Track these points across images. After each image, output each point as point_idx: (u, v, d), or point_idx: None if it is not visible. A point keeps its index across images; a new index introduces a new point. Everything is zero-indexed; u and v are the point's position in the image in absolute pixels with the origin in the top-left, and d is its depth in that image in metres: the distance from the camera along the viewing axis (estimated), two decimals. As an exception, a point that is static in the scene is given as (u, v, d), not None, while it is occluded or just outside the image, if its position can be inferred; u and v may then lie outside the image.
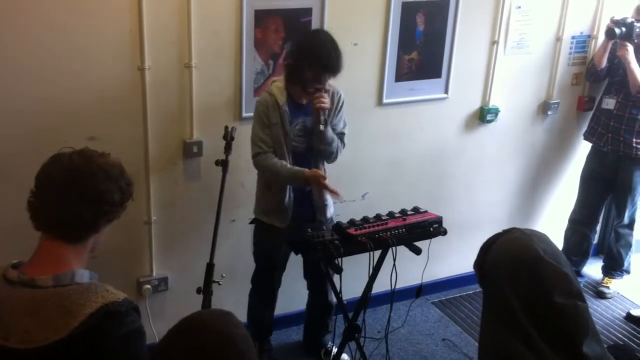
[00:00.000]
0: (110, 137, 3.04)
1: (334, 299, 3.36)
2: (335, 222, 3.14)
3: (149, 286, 3.42)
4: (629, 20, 3.98)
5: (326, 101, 3.01)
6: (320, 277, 3.37)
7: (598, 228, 4.64)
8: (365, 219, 3.06)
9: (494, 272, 1.55)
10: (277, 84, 3.09)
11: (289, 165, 3.05)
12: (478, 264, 1.62)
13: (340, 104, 3.18)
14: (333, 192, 3.07)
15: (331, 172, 3.25)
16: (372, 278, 3.13)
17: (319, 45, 2.96)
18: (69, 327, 1.50)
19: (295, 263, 3.42)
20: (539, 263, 1.49)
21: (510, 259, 1.52)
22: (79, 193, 1.58)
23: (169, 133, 3.25)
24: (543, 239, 1.56)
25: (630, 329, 4.13)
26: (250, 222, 3.32)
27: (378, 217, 3.10)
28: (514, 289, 1.49)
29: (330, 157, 3.19)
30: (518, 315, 1.47)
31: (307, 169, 3.04)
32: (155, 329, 3.29)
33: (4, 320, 1.53)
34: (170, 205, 3.37)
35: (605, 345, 1.58)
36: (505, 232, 1.61)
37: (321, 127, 3.01)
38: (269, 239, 3.26)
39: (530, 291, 1.48)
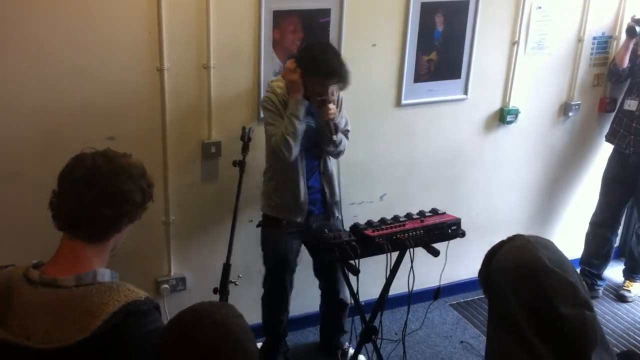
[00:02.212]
0: (128, 137, 3.07)
1: (348, 297, 3.34)
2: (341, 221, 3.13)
3: (167, 286, 3.44)
4: (651, 19, 3.94)
5: (333, 112, 2.98)
6: (331, 275, 3.36)
7: (619, 231, 4.58)
8: (382, 220, 3.06)
9: (497, 281, 1.51)
10: (279, 83, 3.05)
11: (288, 115, 2.98)
12: (482, 272, 1.58)
13: (340, 104, 3.15)
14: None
15: (350, 173, 3.25)
16: (390, 280, 3.12)
17: (319, 57, 2.91)
18: (91, 326, 1.50)
19: (310, 264, 3.41)
20: (543, 272, 1.44)
21: (514, 268, 1.48)
22: (101, 192, 1.59)
23: (187, 133, 3.26)
24: (548, 246, 1.51)
25: (651, 333, 4.08)
26: (258, 225, 3.30)
27: (396, 218, 3.09)
28: (518, 299, 1.45)
29: (339, 155, 3.19)
30: (522, 326, 1.43)
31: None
32: (173, 329, 3.29)
33: (25, 320, 1.54)
34: (188, 205, 3.38)
35: (616, 352, 1.54)
36: (508, 239, 1.57)
37: (333, 137, 2.99)
38: (279, 236, 3.22)
39: (535, 301, 1.44)
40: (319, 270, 3.47)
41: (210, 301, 1.51)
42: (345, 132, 3.19)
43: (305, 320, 3.87)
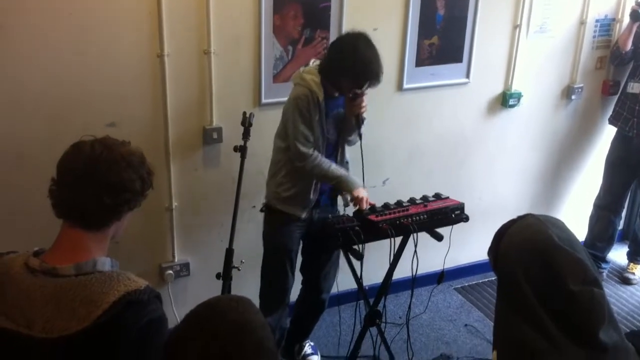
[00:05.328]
0: (129, 124, 3.06)
1: (327, 299, 3.31)
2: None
3: (171, 272, 3.45)
4: (655, 2, 3.91)
5: (365, 106, 2.93)
6: (319, 271, 3.26)
7: (623, 214, 4.58)
8: (386, 205, 3.05)
9: (507, 258, 1.53)
10: (314, 78, 2.90)
11: (334, 169, 2.98)
12: (492, 250, 1.61)
13: None
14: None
15: (352, 158, 3.23)
16: (393, 264, 3.12)
17: (362, 62, 2.80)
18: (92, 316, 1.50)
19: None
20: (553, 249, 1.46)
21: (524, 246, 1.51)
22: (100, 181, 1.58)
23: (189, 120, 3.26)
24: (557, 224, 1.54)
25: (655, 316, 4.08)
26: (261, 210, 3.20)
27: (399, 203, 3.08)
28: (527, 276, 1.47)
29: (354, 143, 3.15)
30: (532, 302, 1.45)
31: (355, 188, 2.99)
32: (178, 314, 3.31)
33: (26, 309, 1.54)
34: (191, 191, 3.38)
35: (625, 332, 1.55)
36: (519, 218, 1.59)
37: (360, 131, 2.98)
38: (286, 229, 3.13)
39: (544, 278, 1.46)
40: (308, 263, 3.33)
41: (227, 295, 1.49)
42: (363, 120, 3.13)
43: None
